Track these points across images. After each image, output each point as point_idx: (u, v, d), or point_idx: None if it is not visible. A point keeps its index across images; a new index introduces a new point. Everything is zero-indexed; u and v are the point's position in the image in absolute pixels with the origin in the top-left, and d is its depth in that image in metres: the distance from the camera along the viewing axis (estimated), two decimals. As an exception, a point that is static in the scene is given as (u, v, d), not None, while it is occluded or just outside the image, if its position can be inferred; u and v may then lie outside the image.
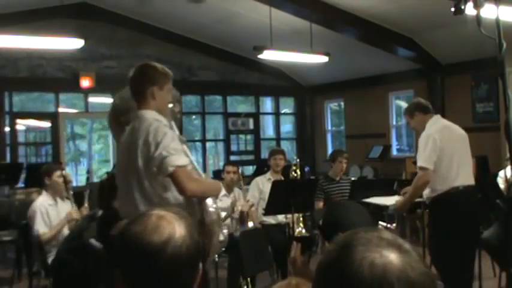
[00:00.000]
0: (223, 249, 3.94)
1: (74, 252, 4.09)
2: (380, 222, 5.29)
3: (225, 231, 3.13)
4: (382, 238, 0.95)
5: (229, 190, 5.66)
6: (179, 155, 2.71)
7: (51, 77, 10.05)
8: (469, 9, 2.37)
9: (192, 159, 3.08)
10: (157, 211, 1.35)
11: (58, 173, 4.98)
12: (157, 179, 2.73)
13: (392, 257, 0.91)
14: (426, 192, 4.42)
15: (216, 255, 5.35)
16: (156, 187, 2.75)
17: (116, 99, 3.36)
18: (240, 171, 5.82)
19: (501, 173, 5.67)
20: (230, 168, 5.74)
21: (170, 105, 3.05)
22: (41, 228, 4.75)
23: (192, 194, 2.78)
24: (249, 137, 12.38)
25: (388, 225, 5.25)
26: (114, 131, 3.29)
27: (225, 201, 5.63)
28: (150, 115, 2.83)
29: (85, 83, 10.16)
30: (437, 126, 4.43)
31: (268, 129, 13.29)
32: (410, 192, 4.46)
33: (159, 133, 2.71)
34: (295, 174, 5.92)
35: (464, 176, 4.37)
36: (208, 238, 2.88)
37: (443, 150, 4.29)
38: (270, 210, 5.19)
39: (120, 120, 3.09)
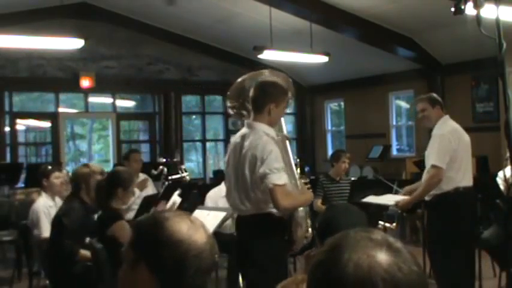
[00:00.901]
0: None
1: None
2: (380, 222, 5.31)
3: (310, 229, 3.46)
4: (372, 239, 0.96)
5: None
6: (279, 174, 3.05)
7: (51, 77, 10.05)
8: (469, 9, 2.37)
9: (291, 159, 3.40)
10: (186, 215, 1.44)
11: (56, 174, 4.96)
12: (259, 186, 3.10)
13: (380, 257, 0.93)
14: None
15: (216, 256, 5.35)
16: (256, 191, 3.13)
17: (247, 80, 3.46)
18: None
19: (500, 173, 5.67)
20: None
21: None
22: (47, 232, 4.57)
23: (284, 210, 3.16)
24: (249, 137, 12.36)
25: (388, 225, 5.27)
26: (231, 107, 3.53)
27: (226, 201, 5.64)
28: (262, 128, 3.18)
29: (85, 83, 10.17)
30: (449, 127, 4.47)
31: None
32: (422, 189, 4.45)
33: (266, 150, 3.06)
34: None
35: (467, 177, 4.44)
36: (295, 230, 3.30)
37: (455, 151, 4.35)
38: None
39: (239, 101, 3.41)
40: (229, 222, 5.21)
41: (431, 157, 4.37)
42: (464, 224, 4.36)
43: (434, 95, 4.81)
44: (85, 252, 3.96)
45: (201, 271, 1.35)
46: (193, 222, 1.39)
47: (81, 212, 4.10)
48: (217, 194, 5.64)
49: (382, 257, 0.93)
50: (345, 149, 8.43)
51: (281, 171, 3.06)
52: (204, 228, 1.40)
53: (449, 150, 4.32)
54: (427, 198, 4.52)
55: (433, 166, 4.32)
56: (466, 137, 4.55)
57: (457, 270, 4.32)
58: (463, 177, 4.39)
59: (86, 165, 4.46)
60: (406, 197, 4.72)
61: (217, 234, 4.14)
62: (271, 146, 3.09)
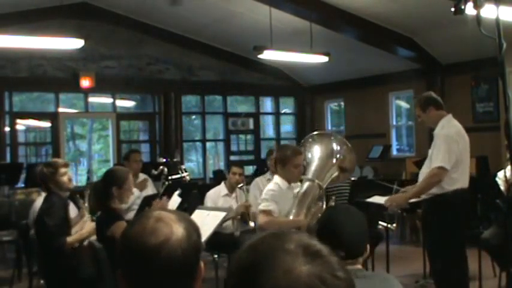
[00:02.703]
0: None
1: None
2: (380, 222, 5.30)
3: None
4: (285, 249, 0.88)
5: (232, 190, 5.67)
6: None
7: (51, 77, 10.05)
8: (469, 9, 2.37)
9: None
10: (157, 213, 1.37)
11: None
12: None
13: (298, 271, 0.85)
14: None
15: (216, 255, 5.36)
16: None
17: None
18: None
19: (500, 174, 5.66)
20: (236, 169, 5.74)
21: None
22: None
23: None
24: (249, 137, 12.38)
25: (389, 226, 5.26)
26: None
27: (226, 200, 5.66)
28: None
29: (85, 83, 10.16)
30: (454, 128, 4.46)
31: (268, 129, 13.28)
32: (421, 187, 4.44)
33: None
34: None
35: (465, 178, 4.45)
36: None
37: (460, 153, 4.35)
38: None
39: None
40: (229, 222, 5.22)
41: (438, 157, 4.32)
42: (460, 224, 4.38)
43: (427, 95, 4.75)
44: (71, 239, 4.01)
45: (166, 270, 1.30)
46: (158, 221, 1.33)
47: (61, 204, 4.12)
48: (217, 194, 5.64)
49: (301, 268, 0.85)
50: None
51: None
52: (173, 225, 1.33)
53: (456, 153, 4.32)
54: (425, 197, 4.52)
55: (438, 167, 4.29)
56: (467, 138, 4.55)
57: (455, 270, 4.33)
58: (461, 178, 4.39)
59: (48, 165, 4.30)
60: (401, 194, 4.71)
61: (217, 234, 4.14)
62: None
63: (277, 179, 4.06)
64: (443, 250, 4.40)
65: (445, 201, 4.36)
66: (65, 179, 4.34)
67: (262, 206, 3.85)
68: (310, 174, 4.08)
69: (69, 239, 4.00)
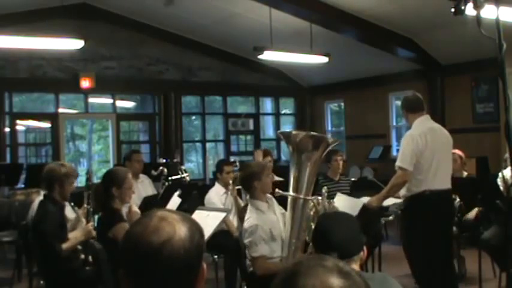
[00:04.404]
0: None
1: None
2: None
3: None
4: (323, 265, 1.05)
5: (227, 187, 5.68)
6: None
7: (51, 77, 10.05)
8: (469, 10, 2.37)
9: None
10: (160, 212, 1.36)
11: None
12: None
13: (331, 281, 1.02)
14: (402, 192, 4.45)
15: (216, 256, 5.35)
16: None
17: None
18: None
19: (500, 175, 5.67)
20: (229, 168, 5.75)
21: None
22: None
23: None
24: (249, 137, 12.38)
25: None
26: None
27: (226, 198, 5.64)
28: None
29: (85, 83, 10.17)
30: (421, 128, 4.43)
31: (268, 129, 13.28)
32: (386, 189, 4.47)
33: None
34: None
35: (438, 180, 4.37)
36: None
37: (423, 153, 4.31)
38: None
39: None
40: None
41: (398, 158, 4.39)
42: (435, 225, 4.32)
43: (405, 97, 4.74)
44: (67, 246, 3.92)
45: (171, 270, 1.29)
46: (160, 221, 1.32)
47: (56, 213, 3.99)
48: (218, 195, 5.63)
49: (334, 281, 1.02)
50: (345, 150, 8.43)
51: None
52: (175, 225, 1.32)
53: (416, 153, 4.29)
54: (397, 200, 4.54)
55: (399, 168, 4.34)
56: (443, 138, 4.50)
57: (433, 272, 4.32)
58: (433, 179, 4.33)
59: (62, 165, 4.21)
60: (397, 199, 4.73)
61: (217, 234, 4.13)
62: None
63: (253, 205, 3.81)
64: (417, 252, 4.39)
65: (416, 203, 4.36)
66: (71, 187, 4.34)
67: (253, 253, 3.66)
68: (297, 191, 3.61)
69: (64, 245, 3.91)
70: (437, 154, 4.37)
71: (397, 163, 4.36)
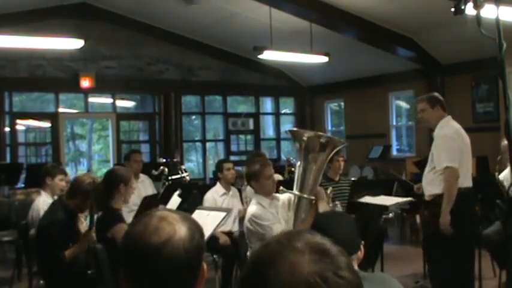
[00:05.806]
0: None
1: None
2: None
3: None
4: (294, 247, 0.91)
5: (228, 188, 5.67)
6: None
7: (51, 77, 10.05)
8: (469, 10, 2.36)
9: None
10: (160, 212, 1.36)
11: (60, 177, 4.97)
12: None
13: (302, 267, 0.88)
14: (429, 190, 4.42)
15: (216, 256, 5.35)
16: None
17: None
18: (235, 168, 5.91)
19: (501, 175, 5.68)
20: (229, 165, 5.77)
21: None
22: None
23: None
24: (249, 137, 12.38)
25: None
26: None
27: (225, 199, 5.64)
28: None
29: (85, 83, 10.16)
30: (452, 128, 4.45)
31: (268, 129, 13.28)
32: (445, 196, 4.28)
33: None
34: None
35: (468, 178, 4.42)
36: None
37: (461, 152, 4.33)
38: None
39: None
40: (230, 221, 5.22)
41: (440, 159, 4.29)
42: (464, 224, 4.34)
43: (436, 94, 4.75)
44: (69, 253, 3.88)
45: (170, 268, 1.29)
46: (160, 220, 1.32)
47: (65, 221, 3.95)
48: (216, 195, 5.63)
49: (304, 267, 0.87)
50: (344, 150, 8.42)
51: None
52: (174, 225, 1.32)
53: (457, 150, 4.31)
54: (427, 198, 4.50)
55: (446, 168, 4.24)
56: (467, 139, 4.53)
57: (455, 271, 4.31)
58: (464, 178, 4.36)
59: (93, 179, 4.14)
60: (398, 198, 4.71)
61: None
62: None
63: (256, 198, 3.94)
64: (442, 251, 4.38)
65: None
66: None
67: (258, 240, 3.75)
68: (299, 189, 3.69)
69: (67, 252, 3.87)
70: (465, 153, 4.41)
71: (444, 164, 4.24)
